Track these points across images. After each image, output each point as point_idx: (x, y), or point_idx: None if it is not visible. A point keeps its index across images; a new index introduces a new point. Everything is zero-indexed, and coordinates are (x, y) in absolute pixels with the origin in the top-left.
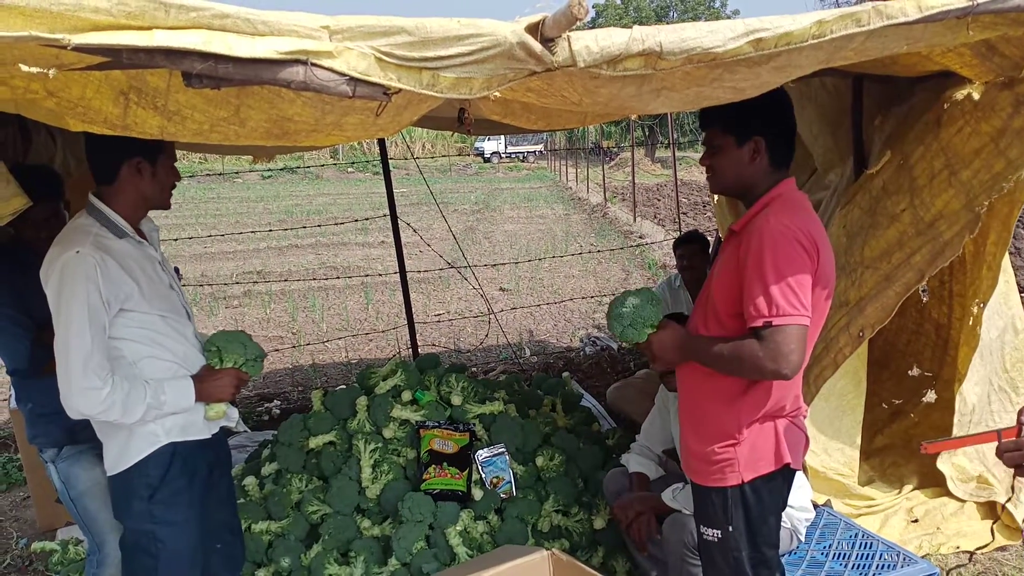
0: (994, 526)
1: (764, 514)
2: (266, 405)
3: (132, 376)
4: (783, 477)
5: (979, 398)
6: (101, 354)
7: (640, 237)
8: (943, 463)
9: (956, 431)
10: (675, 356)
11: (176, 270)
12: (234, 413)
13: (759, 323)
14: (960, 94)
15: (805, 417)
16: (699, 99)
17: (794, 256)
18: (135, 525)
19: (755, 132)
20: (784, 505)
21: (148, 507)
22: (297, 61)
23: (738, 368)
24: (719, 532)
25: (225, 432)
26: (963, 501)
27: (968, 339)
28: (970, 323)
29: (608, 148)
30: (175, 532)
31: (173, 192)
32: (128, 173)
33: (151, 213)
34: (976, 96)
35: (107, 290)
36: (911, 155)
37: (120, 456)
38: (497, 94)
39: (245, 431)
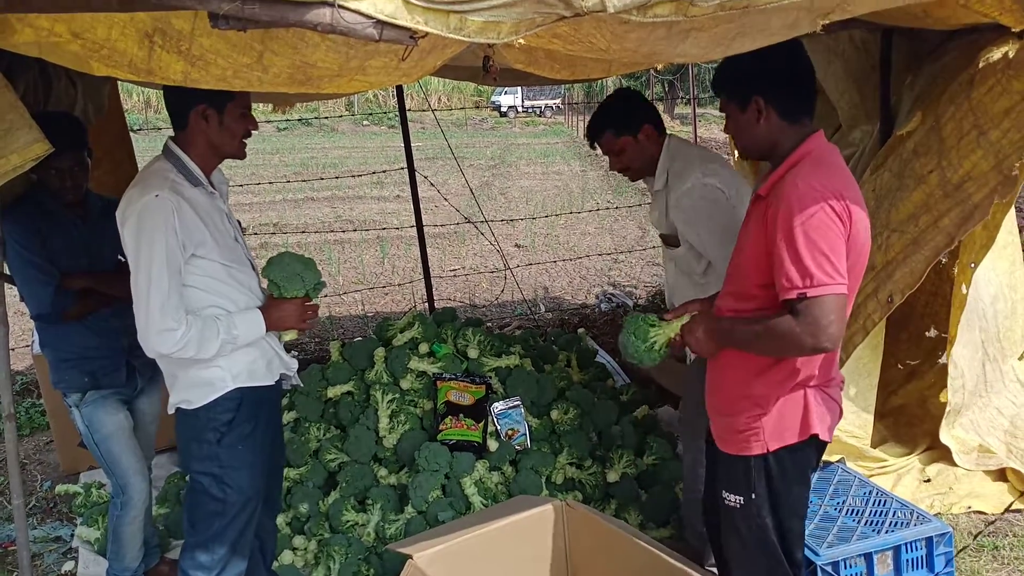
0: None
1: (788, 484)
2: None
3: (203, 316)
4: (810, 447)
5: (968, 363)
6: (177, 296)
7: None
8: (945, 436)
9: (950, 397)
10: (712, 347)
11: (239, 223)
12: (294, 364)
13: (793, 295)
14: (996, 54)
15: (841, 387)
16: (729, 37)
17: (825, 221)
18: (203, 468)
19: (753, 92)
20: (812, 475)
21: (216, 451)
22: (324, 3)
23: (777, 347)
24: (741, 499)
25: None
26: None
27: (956, 300)
28: (961, 284)
29: None
30: (242, 476)
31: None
32: (195, 120)
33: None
34: (1012, 54)
35: (183, 234)
36: (942, 116)
37: (187, 396)
38: (522, 41)
39: (299, 384)
